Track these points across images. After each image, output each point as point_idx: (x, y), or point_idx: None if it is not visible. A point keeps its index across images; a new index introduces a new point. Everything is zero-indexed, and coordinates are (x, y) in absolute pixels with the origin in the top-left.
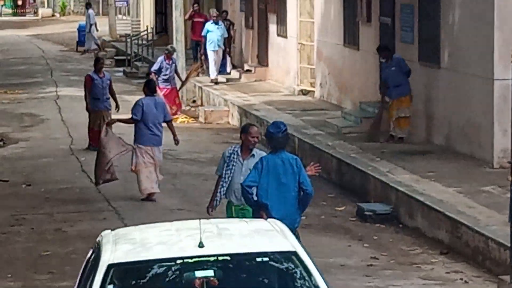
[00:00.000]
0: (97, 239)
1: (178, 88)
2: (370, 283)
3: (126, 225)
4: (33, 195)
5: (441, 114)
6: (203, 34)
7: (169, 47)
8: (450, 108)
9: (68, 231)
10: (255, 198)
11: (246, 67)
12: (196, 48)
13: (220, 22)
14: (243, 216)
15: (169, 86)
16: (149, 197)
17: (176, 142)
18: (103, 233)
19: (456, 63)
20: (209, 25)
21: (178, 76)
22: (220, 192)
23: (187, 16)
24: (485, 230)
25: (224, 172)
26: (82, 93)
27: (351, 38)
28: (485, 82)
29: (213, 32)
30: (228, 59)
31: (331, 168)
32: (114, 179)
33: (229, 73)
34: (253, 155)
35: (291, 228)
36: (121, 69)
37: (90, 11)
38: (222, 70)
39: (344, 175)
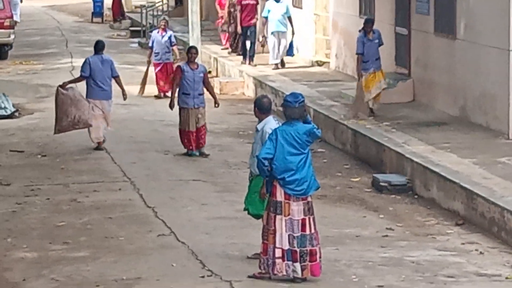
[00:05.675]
0: None
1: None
2: (385, 254)
3: (141, 196)
4: (48, 166)
5: (457, 85)
6: (263, 15)
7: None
8: (466, 79)
9: (84, 202)
10: (268, 168)
11: (261, 38)
12: (246, 35)
13: (282, 0)
14: (259, 188)
15: (160, 61)
16: (99, 146)
17: (124, 97)
18: None
19: (472, 34)
20: (269, 4)
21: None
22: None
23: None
24: (500, 201)
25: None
26: None
27: (367, 8)
28: (501, 53)
29: (275, 12)
30: (295, 39)
31: (346, 139)
32: (84, 127)
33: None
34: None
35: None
36: (136, 40)
37: None
38: (289, 53)
39: (360, 146)
